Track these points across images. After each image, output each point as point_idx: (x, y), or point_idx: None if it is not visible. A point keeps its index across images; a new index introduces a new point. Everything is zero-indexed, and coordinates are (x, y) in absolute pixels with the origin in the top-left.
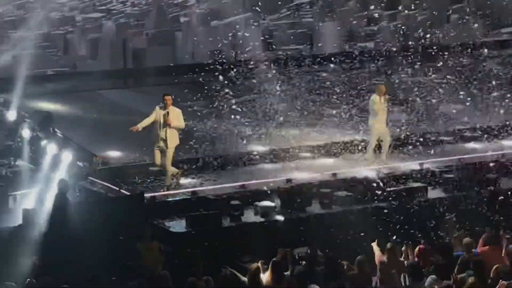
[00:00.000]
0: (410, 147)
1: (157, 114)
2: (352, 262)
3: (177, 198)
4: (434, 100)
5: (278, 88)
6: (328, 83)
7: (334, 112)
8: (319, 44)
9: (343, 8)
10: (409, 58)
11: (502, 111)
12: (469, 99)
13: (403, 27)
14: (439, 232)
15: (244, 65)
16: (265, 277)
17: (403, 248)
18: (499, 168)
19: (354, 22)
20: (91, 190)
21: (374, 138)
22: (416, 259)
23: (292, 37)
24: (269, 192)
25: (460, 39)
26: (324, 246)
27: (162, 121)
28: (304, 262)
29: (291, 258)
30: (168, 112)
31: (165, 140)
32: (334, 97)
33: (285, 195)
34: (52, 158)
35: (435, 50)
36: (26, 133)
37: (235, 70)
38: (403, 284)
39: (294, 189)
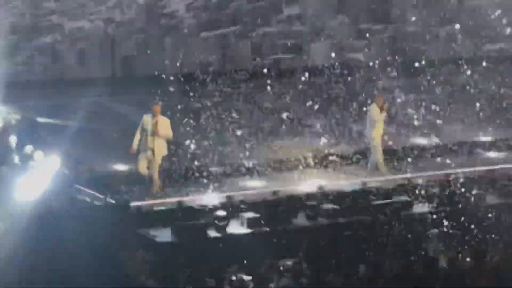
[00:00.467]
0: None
1: (145, 123)
2: (337, 274)
3: (163, 208)
4: (420, 114)
5: (267, 99)
6: (317, 93)
7: (319, 123)
8: (309, 56)
9: (332, 23)
10: (396, 71)
11: (488, 126)
12: (454, 113)
13: (392, 41)
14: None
15: (233, 75)
16: None
17: None
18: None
19: (343, 35)
20: (77, 198)
21: (378, 149)
22: None
23: (281, 49)
24: (255, 203)
25: (448, 54)
26: (310, 258)
27: (150, 130)
28: (289, 274)
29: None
30: (156, 121)
31: (152, 150)
32: (323, 108)
33: (271, 206)
34: (38, 165)
35: (423, 65)
36: (13, 140)
37: (223, 80)
38: None
39: (280, 201)
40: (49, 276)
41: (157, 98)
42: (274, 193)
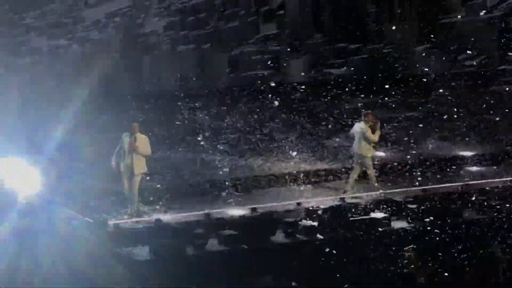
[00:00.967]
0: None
1: (124, 140)
2: None
3: (141, 226)
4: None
5: (242, 116)
6: (292, 110)
7: (296, 140)
8: (287, 73)
9: (310, 41)
10: (374, 88)
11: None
12: (433, 128)
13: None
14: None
15: (210, 92)
16: None
17: None
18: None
19: (321, 53)
20: (55, 217)
21: (370, 165)
22: None
23: (258, 66)
24: (233, 220)
25: (423, 71)
26: (288, 275)
27: (128, 147)
28: None
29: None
30: (135, 138)
31: (131, 166)
32: (298, 125)
33: (250, 223)
34: (17, 182)
35: (401, 81)
36: None
37: (202, 97)
38: None
39: (258, 218)
40: None
41: (136, 116)
42: (253, 210)
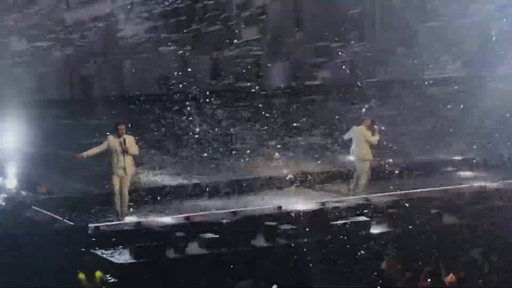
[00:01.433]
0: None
1: (111, 143)
2: None
3: (121, 229)
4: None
5: (225, 119)
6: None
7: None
8: (267, 79)
9: (291, 39)
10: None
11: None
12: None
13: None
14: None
15: (190, 96)
16: None
17: None
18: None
19: (302, 55)
20: (35, 220)
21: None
22: None
23: (239, 71)
24: (214, 224)
25: (405, 75)
26: (268, 279)
27: (119, 149)
28: None
29: None
30: (124, 140)
31: (124, 168)
32: (284, 129)
33: (230, 227)
34: None
35: (381, 85)
36: None
37: (183, 101)
38: None
39: (239, 222)
40: None
41: (118, 118)
42: (234, 213)
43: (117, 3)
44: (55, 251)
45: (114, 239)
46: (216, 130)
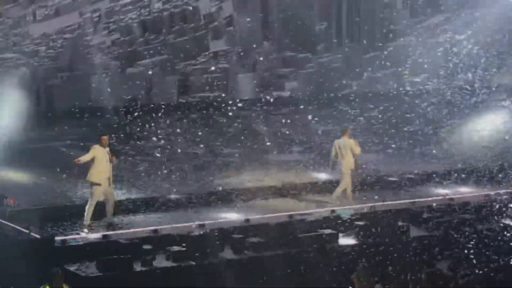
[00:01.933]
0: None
1: (97, 153)
2: None
3: (88, 242)
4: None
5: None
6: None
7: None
8: (234, 91)
9: (259, 49)
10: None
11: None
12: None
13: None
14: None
15: (160, 109)
16: None
17: None
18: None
19: (269, 65)
20: (0, 233)
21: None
22: None
23: (207, 83)
24: (181, 237)
25: (371, 88)
26: None
27: (105, 159)
28: None
29: None
30: (109, 151)
31: (109, 177)
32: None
33: (197, 240)
34: None
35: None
36: None
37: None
38: None
39: (206, 234)
40: None
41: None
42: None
43: (85, 15)
44: (21, 264)
45: (81, 252)
46: (179, 142)
